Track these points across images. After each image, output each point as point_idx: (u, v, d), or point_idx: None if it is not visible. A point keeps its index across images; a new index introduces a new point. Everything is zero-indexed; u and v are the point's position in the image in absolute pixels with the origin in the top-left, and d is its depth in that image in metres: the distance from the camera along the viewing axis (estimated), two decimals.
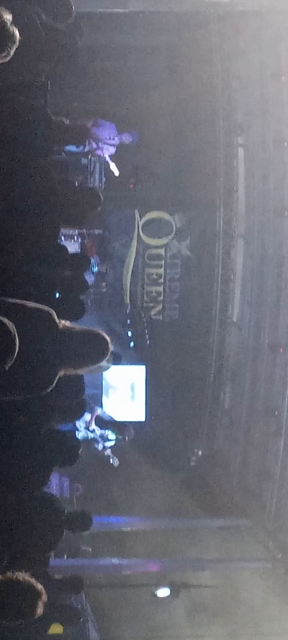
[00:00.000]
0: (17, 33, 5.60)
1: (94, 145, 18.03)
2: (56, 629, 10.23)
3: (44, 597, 5.61)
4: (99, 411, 18.75)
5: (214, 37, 18.87)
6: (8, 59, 5.64)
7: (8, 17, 5.56)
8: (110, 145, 18.28)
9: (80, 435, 18.02)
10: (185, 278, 20.98)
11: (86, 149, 18.08)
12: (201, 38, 18.73)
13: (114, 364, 18.53)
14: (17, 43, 5.62)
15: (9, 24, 5.56)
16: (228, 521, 18.11)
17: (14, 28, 5.58)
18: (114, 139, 18.24)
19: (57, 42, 9.44)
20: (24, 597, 5.54)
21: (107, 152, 18.32)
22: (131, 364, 20.41)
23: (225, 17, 17.79)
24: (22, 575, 5.59)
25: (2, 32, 5.53)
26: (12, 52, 5.63)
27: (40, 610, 5.58)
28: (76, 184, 16.92)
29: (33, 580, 5.60)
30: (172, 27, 18.88)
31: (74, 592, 9.54)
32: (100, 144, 18.07)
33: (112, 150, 18.36)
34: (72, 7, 9.73)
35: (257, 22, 17.61)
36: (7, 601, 5.51)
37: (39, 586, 5.61)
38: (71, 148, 17.33)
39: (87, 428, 18.27)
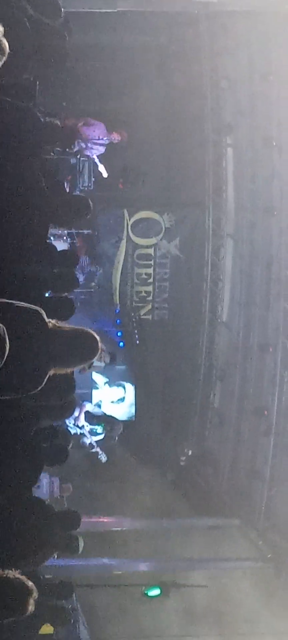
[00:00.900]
0: (6, 45, 5.63)
1: (83, 145, 18.05)
2: (47, 629, 10.23)
3: (35, 595, 5.62)
4: (87, 406, 18.72)
5: (203, 37, 18.90)
6: None
7: (0, 29, 5.59)
8: (100, 145, 18.30)
9: (70, 431, 18.01)
10: (175, 278, 20.97)
11: (75, 149, 18.10)
12: (190, 38, 18.77)
13: (110, 364, 18.62)
14: (6, 55, 5.64)
15: (0, 34, 5.58)
16: (219, 521, 18.13)
17: (4, 40, 5.61)
18: (103, 139, 18.25)
19: (46, 40, 9.42)
20: (14, 595, 5.54)
21: (97, 151, 18.34)
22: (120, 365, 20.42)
23: (214, 16, 17.83)
24: (13, 573, 5.59)
25: None
26: (0, 64, 5.66)
27: (31, 608, 5.59)
28: (65, 184, 16.93)
29: (23, 578, 5.60)
30: (160, 27, 18.89)
31: (63, 597, 9.55)
32: (89, 144, 18.08)
33: (102, 149, 18.37)
34: (60, 8, 9.72)
35: (245, 22, 17.67)
36: None
37: (30, 583, 5.62)
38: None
39: (75, 424, 18.25)
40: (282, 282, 18.18)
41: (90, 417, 18.65)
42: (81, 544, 9.17)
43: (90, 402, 19.36)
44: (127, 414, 20.56)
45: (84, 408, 18.48)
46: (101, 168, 18.46)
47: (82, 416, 18.33)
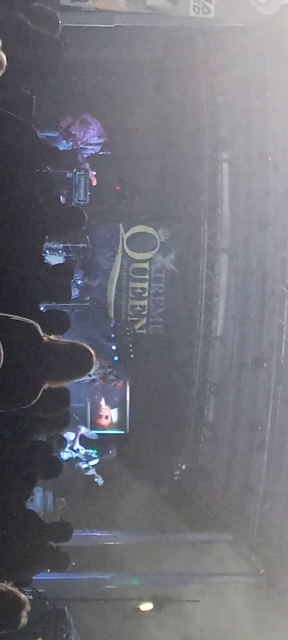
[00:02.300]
0: (4, 58, 5.64)
1: (79, 143, 18.12)
2: None
3: (28, 607, 5.60)
4: (83, 430, 18.77)
5: (199, 53, 18.95)
6: None
7: None
8: (94, 144, 18.38)
9: (65, 455, 18.04)
10: (170, 292, 20.99)
11: (70, 147, 18.17)
12: (186, 53, 18.82)
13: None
14: (4, 69, 5.66)
15: None
16: (212, 535, 18.11)
17: (2, 53, 5.63)
18: (98, 138, 18.33)
19: (43, 52, 9.44)
20: (7, 608, 5.52)
21: (92, 150, 18.41)
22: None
23: (210, 33, 17.89)
24: (5, 586, 5.58)
25: None
26: None
27: (24, 621, 5.57)
28: (61, 198, 16.95)
29: (16, 591, 5.59)
30: (157, 43, 18.95)
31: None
32: (83, 144, 18.17)
33: (96, 148, 18.45)
34: (58, 21, 9.75)
35: (241, 39, 17.73)
36: None
37: (23, 596, 5.60)
38: (50, 133, 17.44)
39: (71, 448, 18.29)
40: (277, 297, 18.21)
41: (85, 441, 18.70)
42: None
43: (85, 426, 19.36)
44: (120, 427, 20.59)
45: (80, 432, 18.53)
46: (91, 175, 18.53)
47: (78, 441, 18.41)
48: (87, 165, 18.54)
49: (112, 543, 17.28)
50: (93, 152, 18.65)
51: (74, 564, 9.28)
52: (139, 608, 15.21)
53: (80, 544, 14.45)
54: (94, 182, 18.68)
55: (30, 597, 5.96)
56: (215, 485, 19.57)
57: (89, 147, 18.40)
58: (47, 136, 17.42)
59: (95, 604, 15.09)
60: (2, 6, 8.55)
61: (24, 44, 8.75)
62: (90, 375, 17.14)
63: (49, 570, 9.19)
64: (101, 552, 16.68)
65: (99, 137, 18.48)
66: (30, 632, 9.18)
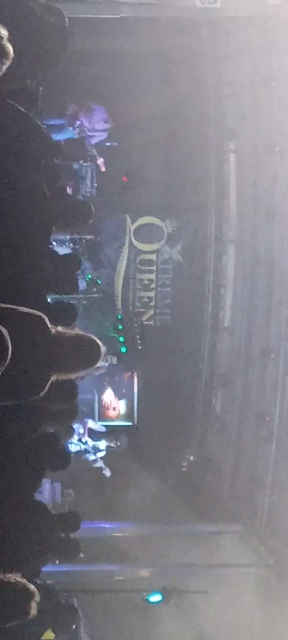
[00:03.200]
0: (11, 49, 5.62)
1: (86, 130, 18.11)
2: (48, 635, 10.21)
3: (37, 598, 5.60)
4: (90, 423, 18.80)
5: (205, 43, 18.91)
6: (0, 74, 5.67)
7: (4, 32, 5.59)
8: (102, 130, 18.37)
9: (73, 447, 18.07)
10: (177, 283, 20.97)
11: (77, 134, 18.16)
12: (192, 43, 18.77)
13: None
14: (11, 60, 5.65)
15: (4, 39, 5.58)
16: (220, 527, 18.09)
17: (9, 44, 5.61)
18: (105, 124, 18.32)
19: (48, 42, 9.42)
20: (16, 598, 5.52)
21: (99, 138, 18.41)
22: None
23: (216, 23, 17.84)
24: (14, 577, 5.58)
25: None
26: (4, 68, 5.66)
27: (33, 611, 5.57)
28: (68, 189, 16.95)
29: (25, 582, 5.59)
30: (163, 33, 18.89)
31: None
32: (91, 131, 18.16)
33: (104, 135, 18.45)
34: (64, 16, 9.73)
35: (248, 28, 17.67)
36: (0, 603, 5.51)
37: (32, 587, 5.60)
38: (55, 122, 17.45)
39: (80, 440, 18.33)
40: (284, 287, 18.18)
41: (93, 434, 18.74)
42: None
43: (93, 418, 19.39)
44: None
45: (87, 425, 18.56)
46: (100, 162, 18.53)
47: (87, 433, 18.46)
48: (95, 152, 18.52)
49: (121, 534, 17.29)
50: (100, 139, 18.62)
51: (82, 555, 9.29)
52: (147, 599, 15.19)
53: (89, 536, 14.46)
54: (103, 169, 18.65)
55: (39, 588, 5.96)
56: (223, 476, 19.56)
57: (96, 133, 18.38)
58: (53, 124, 17.44)
59: (103, 595, 15.10)
60: None
61: (30, 34, 8.73)
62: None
63: (57, 562, 9.20)
64: (109, 543, 16.69)
65: (104, 122, 18.46)
66: (39, 623, 9.15)
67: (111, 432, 19.50)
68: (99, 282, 19.98)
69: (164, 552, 16.75)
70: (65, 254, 11.79)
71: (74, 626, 11.71)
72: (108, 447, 18.89)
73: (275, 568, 16.66)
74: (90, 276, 19.69)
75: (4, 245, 7.90)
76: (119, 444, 19.08)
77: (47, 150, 9.45)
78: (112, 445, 18.92)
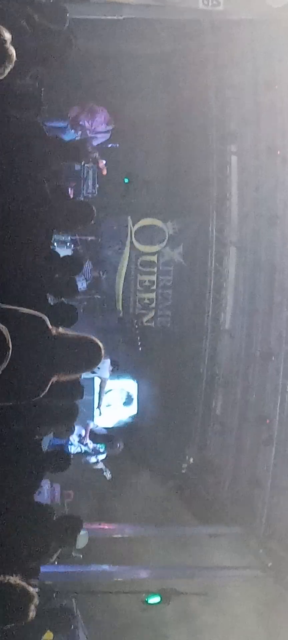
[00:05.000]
0: (13, 52, 5.65)
1: (88, 132, 18.11)
2: (47, 635, 10.23)
3: (36, 601, 5.61)
4: (91, 425, 18.84)
5: (208, 46, 18.91)
6: (2, 77, 5.70)
7: (7, 36, 5.61)
8: (104, 132, 18.39)
9: (73, 449, 18.10)
10: (178, 285, 20.98)
11: (79, 137, 18.16)
12: (195, 46, 18.78)
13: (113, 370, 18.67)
14: (13, 63, 5.67)
15: (8, 43, 5.61)
16: (219, 529, 18.09)
17: (12, 48, 5.64)
18: (107, 125, 18.33)
19: (51, 46, 9.45)
20: (16, 601, 5.53)
21: (101, 139, 18.43)
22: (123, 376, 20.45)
23: (219, 25, 17.84)
24: (14, 579, 5.59)
25: (0, 51, 5.59)
26: (7, 71, 5.68)
27: (32, 614, 5.58)
28: (69, 190, 16.96)
29: (24, 584, 5.60)
30: (166, 35, 18.90)
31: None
32: (93, 133, 18.17)
33: (106, 136, 18.48)
34: (67, 13, 9.75)
35: (250, 31, 17.69)
36: None
37: (31, 589, 5.61)
38: (57, 124, 17.47)
39: (81, 442, 18.36)
40: (285, 290, 18.17)
41: (93, 436, 18.76)
42: (85, 540, 9.16)
43: (93, 420, 19.40)
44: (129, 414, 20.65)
45: (89, 427, 18.60)
46: (101, 165, 18.55)
47: (88, 436, 18.50)
48: (97, 154, 18.53)
49: (120, 536, 17.31)
50: (102, 140, 18.64)
51: (81, 556, 9.32)
52: (146, 601, 15.19)
53: (88, 536, 14.47)
54: (104, 172, 18.67)
55: (38, 589, 5.98)
56: (223, 478, 19.56)
57: (97, 135, 18.39)
58: (55, 126, 17.46)
59: (102, 597, 15.11)
60: (10, 0, 8.56)
61: (32, 37, 8.76)
62: (94, 372, 17.17)
63: (56, 563, 9.21)
64: (108, 544, 16.70)
65: (106, 124, 18.47)
66: (37, 625, 9.18)
67: (111, 435, 19.50)
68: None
69: (163, 554, 16.76)
70: (66, 256, 11.79)
71: (72, 627, 11.72)
72: (107, 450, 18.92)
73: (274, 571, 16.66)
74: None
75: (6, 246, 7.92)
76: (118, 446, 19.09)
77: (50, 155, 9.47)
78: (110, 450, 18.97)
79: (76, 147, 11.41)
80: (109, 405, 20.13)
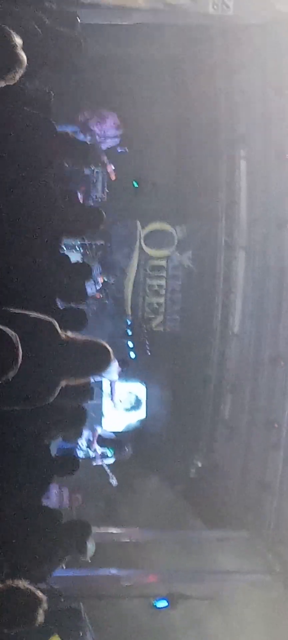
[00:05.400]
0: (25, 58, 5.68)
1: (97, 137, 18.15)
2: (54, 639, 10.22)
3: (45, 605, 5.62)
4: (99, 430, 18.87)
5: (217, 50, 18.92)
6: (14, 82, 5.72)
7: (18, 41, 5.64)
8: (113, 137, 18.42)
9: (81, 453, 18.14)
10: (187, 290, 21.00)
11: (88, 142, 18.19)
12: (205, 51, 18.80)
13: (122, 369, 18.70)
14: (24, 68, 5.70)
15: (19, 48, 5.63)
16: (227, 533, 18.07)
17: (23, 53, 5.66)
18: (116, 130, 18.36)
19: (61, 51, 9.48)
20: (24, 605, 5.54)
21: (110, 143, 18.46)
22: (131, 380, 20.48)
23: (229, 30, 17.85)
24: (23, 583, 5.60)
25: (12, 56, 5.61)
26: (17, 76, 5.71)
27: (41, 618, 5.59)
28: (79, 195, 16.99)
29: (33, 588, 5.61)
30: (175, 40, 18.92)
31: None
32: (102, 135, 18.20)
33: (116, 141, 18.50)
34: (77, 18, 9.78)
35: (260, 36, 17.67)
36: (7, 609, 5.52)
37: (40, 594, 5.63)
38: (67, 128, 17.48)
39: (88, 447, 18.38)
40: None
41: (102, 441, 18.78)
42: (92, 548, 9.14)
43: (101, 426, 19.45)
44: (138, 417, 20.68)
45: (97, 433, 18.62)
46: (110, 170, 18.58)
47: (96, 441, 18.52)
48: (106, 159, 18.56)
49: (128, 540, 17.29)
50: (112, 145, 18.67)
51: (89, 560, 9.29)
52: (154, 605, 15.19)
53: (96, 541, 14.45)
54: (113, 177, 18.70)
55: (46, 594, 5.99)
56: (231, 482, 19.53)
57: (107, 140, 18.43)
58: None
59: (110, 601, 15.10)
60: (21, 5, 8.59)
61: (43, 42, 8.79)
62: (102, 375, 17.19)
63: (64, 567, 9.21)
64: (116, 549, 16.68)
65: (116, 128, 18.50)
66: (45, 629, 9.17)
67: (119, 440, 19.50)
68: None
69: (171, 558, 16.74)
70: (76, 263, 11.82)
71: (80, 632, 11.71)
72: (115, 455, 18.93)
73: (282, 575, 16.63)
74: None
75: (16, 250, 7.94)
76: (126, 450, 19.09)
77: (60, 149, 9.49)
78: (117, 455, 18.98)
79: (84, 147, 11.40)
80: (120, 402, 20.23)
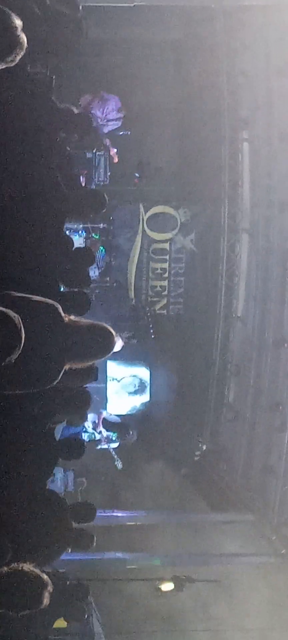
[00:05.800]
0: (25, 39, 5.64)
1: (99, 121, 18.09)
2: (60, 622, 10.24)
3: (50, 588, 5.62)
4: (104, 413, 18.88)
5: (220, 32, 18.85)
6: (14, 64, 5.69)
7: (18, 23, 5.60)
8: (115, 120, 18.35)
9: (87, 435, 18.14)
10: (190, 272, 20.96)
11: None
12: (207, 33, 18.72)
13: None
14: (24, 50, 5.66)
15: (19, 29, 5.60)
16: (232, 516, 18.12)
17: (23, 34, 5.63)
18: (118, 113, 18.29)
19: (62, 33, 9.43)
20: (30, 588, 5.55)
21: (112, 126, 18.39)
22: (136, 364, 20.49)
23: (231, 12, 17.80)
24: (28, 566, 5.60)
25: (12, 38, 5.58)
26: (18, 58, 5.67)
27: (46, 601, 5.60)
28: (81, 178, 16.95)
29: (38, 571, 5.61)
30: (177, 22, 18.87)
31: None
32: (104, 119, 18.15)
33: (118, 124, 18.43)
34: (78, 0, 9.74)
35: (262, 17, 17.62)
36: (13, 592, 5.53)
37: (45, 577, 5.63)
38: None
39: (94, 429, 18.40)
40: None
41: (107, 424, 18.78)
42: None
43: (106, 409, 19.46)
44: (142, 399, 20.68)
45: (102, 416, 18.63)
46: (113, 153, 18.52)
47: (101, 424, 18.53)
48: (108, 143, 18.51)
49: (133, 523, 17.32)
50: (114, 128, 18.61)
51: (94, 544, 9.30)
52: (159, 588, 15.21)
53: (101, 524, 14.48)
54: (116, 160, 18.65)
55: (51, 577, 6.00)
56: (236, 465, 19.57)
57: (109, 123, 18.37)
58: None
59: (116, 584, 15.13)
60: None
61: (44, 24, 8.75)
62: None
63: (69, 550, 9.22)
64: (122, 532, 16.70)
65: (118, 111, 18.42)
66: (51, 612, 9.18)
67: (123, 424, 19.49)
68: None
69: (176, 541, 16.76)
70: (79, 247, 11.77)
71: (86, 615, 11.71)
72: (119, 439, 18.92)
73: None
74: None
75: (19, 234, 7.91)
76: (131, 433, 19.07)
77: (61, 124, 9.45)
78: (122, 440, 18.97)
79: (86, 118, 11.33)
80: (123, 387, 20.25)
